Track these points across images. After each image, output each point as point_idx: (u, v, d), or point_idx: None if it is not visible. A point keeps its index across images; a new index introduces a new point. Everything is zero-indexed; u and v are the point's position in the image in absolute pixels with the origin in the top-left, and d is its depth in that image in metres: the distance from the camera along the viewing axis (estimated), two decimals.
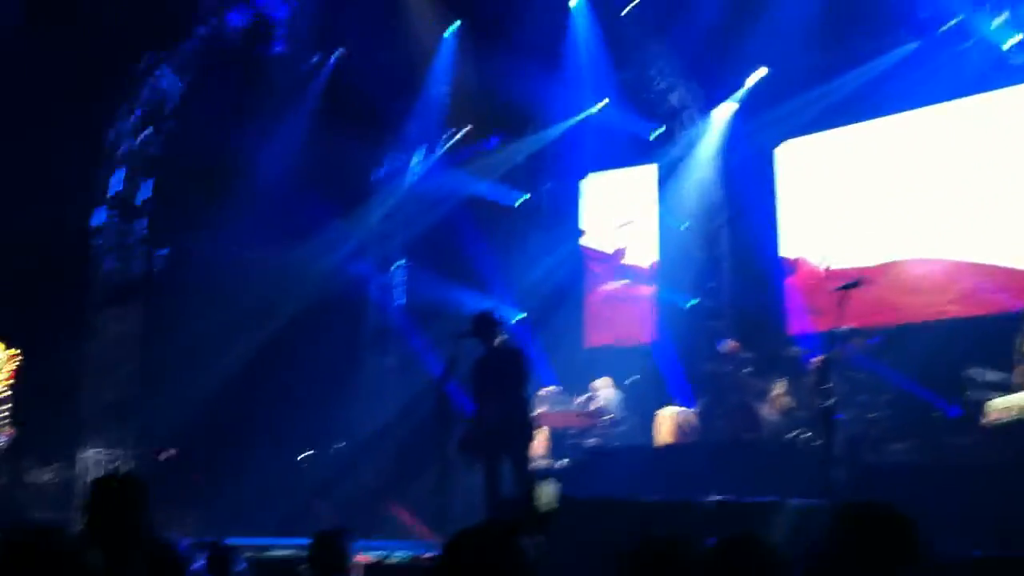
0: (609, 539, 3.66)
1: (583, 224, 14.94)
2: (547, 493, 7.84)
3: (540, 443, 11.28)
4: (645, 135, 14.26)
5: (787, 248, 12.81)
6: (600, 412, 12.40)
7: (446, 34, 14.55)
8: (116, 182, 14.02)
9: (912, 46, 11.65)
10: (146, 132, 14.11)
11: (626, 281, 14.30)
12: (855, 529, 3.00)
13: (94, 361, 13.83)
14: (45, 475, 13.30)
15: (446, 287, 14.54)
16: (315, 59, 14.77)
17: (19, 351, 12.72)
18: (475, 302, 14.12)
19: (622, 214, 14.55)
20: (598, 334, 14.28)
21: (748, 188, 13.11)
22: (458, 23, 14.50)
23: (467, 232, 14.96)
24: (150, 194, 14.20)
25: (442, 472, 8.19)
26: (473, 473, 8.28)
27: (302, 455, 14.44)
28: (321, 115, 14.66)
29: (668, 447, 11.48)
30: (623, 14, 13.58)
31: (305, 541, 4.89)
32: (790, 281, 12.68)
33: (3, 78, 12.50)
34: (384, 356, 15.59)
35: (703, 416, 11.71)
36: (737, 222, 13.41)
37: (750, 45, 12.46)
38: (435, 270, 15.00)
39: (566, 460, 12.36)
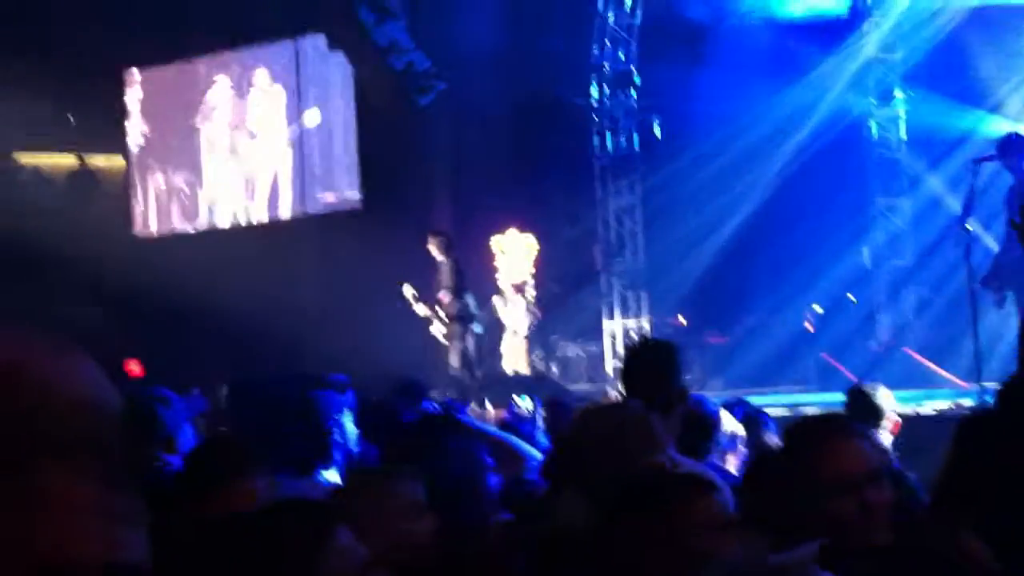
0: None
1: None
2: None
3: None
4: None
5: None
6: None
7: None
8: (606, 54, 14.82)
9: None
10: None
11: None
12: None
13: (602, 236, 14.92)
14: (572, 349, 14.68)
15: (956, 113, 13.84)
16: None
17: (536, 239, 14.10)
18: (992, 125, 13.35)
19: None
20: None
21: None
22: None
23: (976, 47, 14.04)
24: (637, 63, 14.84)
25: (972, 314, 8.01)
26: (1003, 313, 8.05)
27: (814, 310, 14.60)
28: None
29: None
30: None
31: (832, 395, 5.11)
32: None
33: None
34: (894, 196, 15.19)
35: None
36: None
37: None
38: (941, 95, 14.28)
39: None
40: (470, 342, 11.89)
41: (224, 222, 17.38)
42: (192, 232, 17.54)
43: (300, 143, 16.62)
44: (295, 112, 16.65)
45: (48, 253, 14.41)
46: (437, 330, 11.91)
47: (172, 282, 14.47)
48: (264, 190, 17.06)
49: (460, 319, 11.71)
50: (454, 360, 11.71)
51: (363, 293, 13.79)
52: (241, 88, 17.22)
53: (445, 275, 11.78)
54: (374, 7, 14.38)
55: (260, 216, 17.07)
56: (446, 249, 11.81)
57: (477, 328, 12.10)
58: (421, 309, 11.92)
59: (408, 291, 11.94)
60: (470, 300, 11.93)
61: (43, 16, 15.35)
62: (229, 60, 17.26)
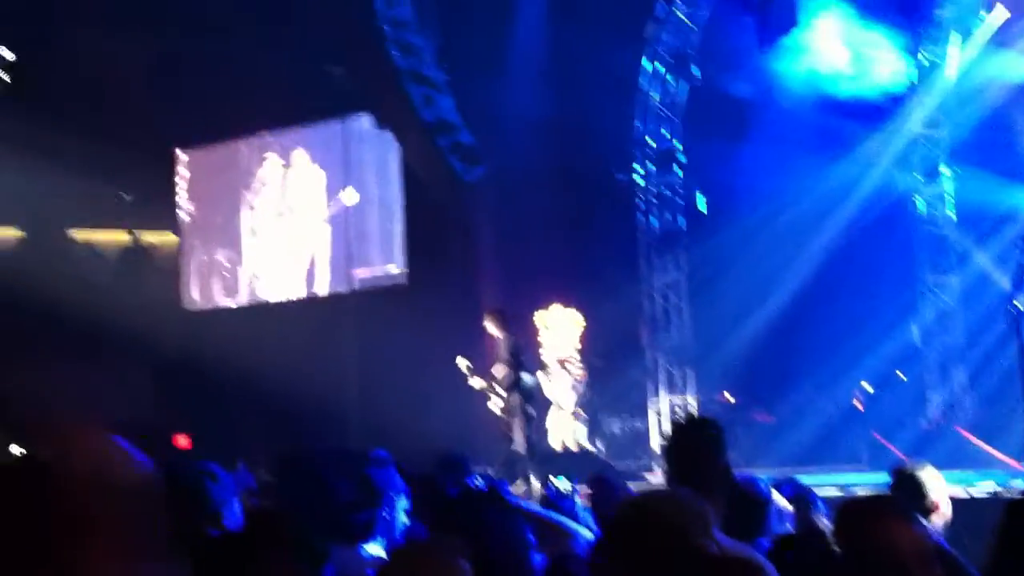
0: None
1: None
2: None
3: None
4: None
5: None
6: None
7: None
8: (650, 132, 14.93)
9: None
10: (671, 78, 14.85)
11: None
12: None
13: (647, 311, 14.90)
14: (618, 425, 14.57)
15: (1003, 189, 13.76)
16: None
17: (580, 314, 14.11)
18: None
19: None
20: None
21: None
22: None
23: (1021, 123, 13.99)
24: (682, 139, 14.93)
25: (1023, 393, 7.92)
26: None
27: (863, 388, 14.44)
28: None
29: None
30: None
31: (882, 475, 5.00)
32: None
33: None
34: (942, 273, 15.06)
35: None
36: None
37: None
38: (989, 171, 14.21)
39: None
40: (529, 416, 11.83)
41: (264, 297, 17.60)
42: (233, 307, 17.75)
43: (341, 221, 16.82)
44: (336, 191, 16.88)
45: (100, 327, 14.61)
46: (494, 404, 11.89)
47: (221, 356, 14.62)
48: (303, 267, 17.28)
49: (519, 393, 11.65)
50: (517, 435, 11.61)
51: (408, 367, 13.84)
52: (284, 168, 17.57)
53: (502, 350, 11.78)
54: (422, 84, 14.63)
55: (299, 293, 17.27)
56: (503, 325, 11.80)
57: (530, 405, 12.02)
58: (477, 383, 11.92)
59: (463, 364, 11.95)
60: (526, 375, 11.90)
61: (97, 97, 15.74)
62: (271, 141, 17.62)
